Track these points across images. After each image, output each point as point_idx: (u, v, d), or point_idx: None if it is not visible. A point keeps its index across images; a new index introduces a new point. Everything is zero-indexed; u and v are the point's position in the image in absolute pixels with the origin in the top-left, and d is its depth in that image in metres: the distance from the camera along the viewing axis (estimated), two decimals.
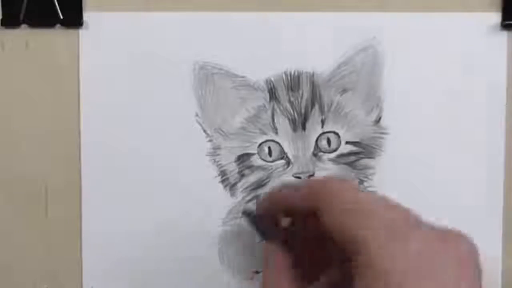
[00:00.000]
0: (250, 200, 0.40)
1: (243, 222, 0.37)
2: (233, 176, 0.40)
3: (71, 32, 0.39)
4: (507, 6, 0.39)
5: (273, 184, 0.39)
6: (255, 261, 0.40)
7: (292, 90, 0.39)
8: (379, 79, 0.39)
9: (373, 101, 0.39)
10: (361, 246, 0.28)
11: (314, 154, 0.39)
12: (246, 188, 0.40)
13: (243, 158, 0.40)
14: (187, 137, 0.39)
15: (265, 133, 0.39)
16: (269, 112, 0.39)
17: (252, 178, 0.40)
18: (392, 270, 0.27)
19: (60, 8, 0.38)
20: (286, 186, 0.34)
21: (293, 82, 0.39)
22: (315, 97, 0.39)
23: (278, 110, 0.39)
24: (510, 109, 0.39)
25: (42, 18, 0.39)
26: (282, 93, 0.39)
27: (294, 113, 0.39)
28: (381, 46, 0.39)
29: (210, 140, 0.40)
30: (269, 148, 0.39)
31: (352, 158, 0.40)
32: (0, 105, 0.39)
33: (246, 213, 0.36)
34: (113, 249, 0.40)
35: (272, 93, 0.39)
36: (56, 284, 0.40)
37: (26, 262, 0.40)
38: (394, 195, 0.40)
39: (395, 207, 0.30)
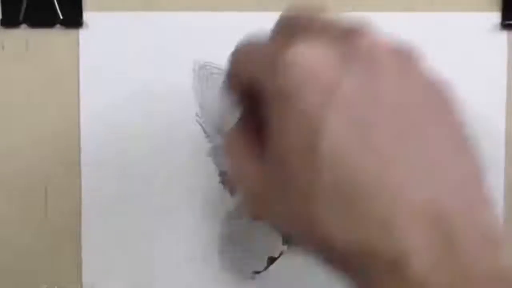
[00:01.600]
0: None
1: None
2: None
3: (71, 32, 0.39)
4: (507, 6, 0.39)
5: None
6: (255, 261, 0.40)
7: None
8: None
9: None
10: None
11: None
12: None
13: None
14: (187, 137, 0.39)
15: None
16: None
17: None
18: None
19: (60, 8, 0.38)
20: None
21: None
22: None
23: None
24: (510, 109, 0.39)
25: (42, 18, 0.39)
26: None
27: None
28: None
29: (210, 140, 0.39)
30: None
31: None
32: (0, 105, 0.39)
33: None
34: (113, 249, 0.40)
35: None
36: (56, 284, 0.40)
37: (26, 262, 0.40)
38: None
39: None
